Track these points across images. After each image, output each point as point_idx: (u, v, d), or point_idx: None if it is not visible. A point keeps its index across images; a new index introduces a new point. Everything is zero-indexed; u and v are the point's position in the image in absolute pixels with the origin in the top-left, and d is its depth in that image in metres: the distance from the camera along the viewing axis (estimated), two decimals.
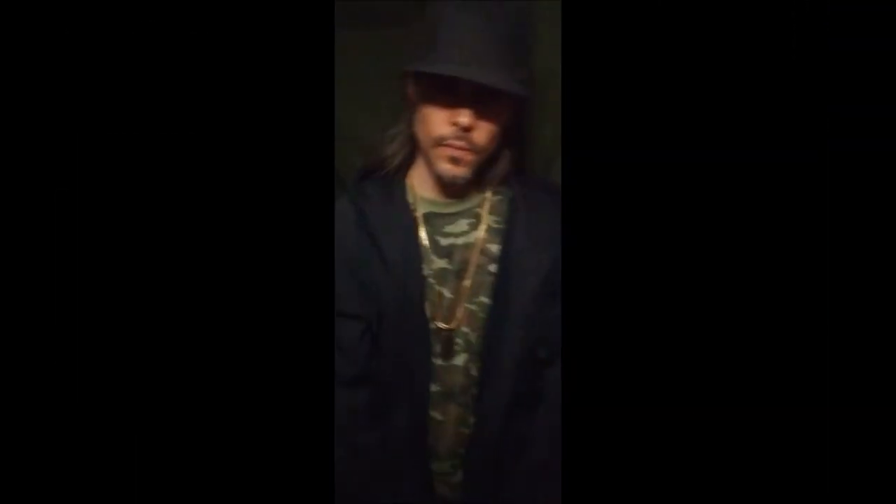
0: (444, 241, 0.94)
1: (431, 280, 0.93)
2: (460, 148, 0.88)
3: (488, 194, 0.96)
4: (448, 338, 0.92)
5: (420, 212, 0.95)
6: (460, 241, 0.95)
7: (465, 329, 0.93)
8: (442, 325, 0.92)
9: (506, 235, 0.94)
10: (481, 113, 0.87)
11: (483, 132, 0.88)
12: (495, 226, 0.95)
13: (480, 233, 0.95)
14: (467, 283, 0.93)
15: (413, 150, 0.96)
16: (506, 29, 0.85)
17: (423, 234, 0.94)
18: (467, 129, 0.87)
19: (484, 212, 0.96)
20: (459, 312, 0.92)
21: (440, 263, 0.94)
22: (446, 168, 0.90)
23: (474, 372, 0.92)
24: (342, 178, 1.33)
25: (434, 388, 0.92)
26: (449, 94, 0.86)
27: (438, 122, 0.88)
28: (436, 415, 0.93)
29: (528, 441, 0.93)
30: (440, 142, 0.89)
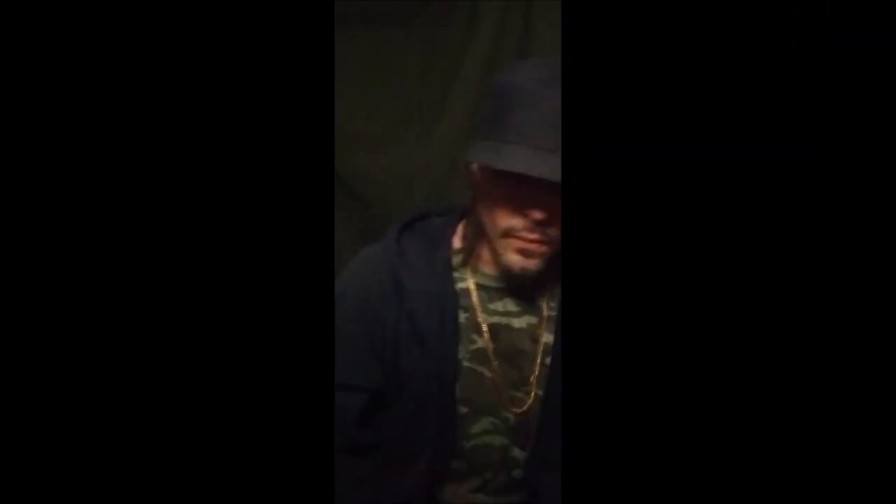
0: (486, 320, 0.87)
1: (468, 362, 0.86)
2: (533, 241, 0.80)
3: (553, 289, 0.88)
4: (524, 423, 0.87)
5: (466, 283, 0.88)
6: (505, 321, 0.88)
7: (505, 413, 0.87)
8: (516, 409, 0.86)
9: (558, 321, 0.87)
10: (554, 204, 0.76)
11: (556, 222, 0.79)
12: (550, 313, 0.88)
13: (529, 318, 0.88)
14: (520, 371, 0.87)
15: (476, 235, 0.87)
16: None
17: (463, 314, 0.87)
18: (542, 223, 0.79)
19: (533, 293, 0.88)
20: (504, 399, 0.87)
21: (479, 343, 0.87)
22: (515, 260, 0.82)
23: (516, 454, 0.88)
24: (342, 177, 1.33)
25: (460, 465, 0.88)
26: (524, 184, 0.77)
27: (509, 213, 0.80)
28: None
29: None
30: (510, 233, 0.81)
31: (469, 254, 0.88)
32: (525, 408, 0.86)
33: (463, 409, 0.86)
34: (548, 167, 0.74)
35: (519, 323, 0.88)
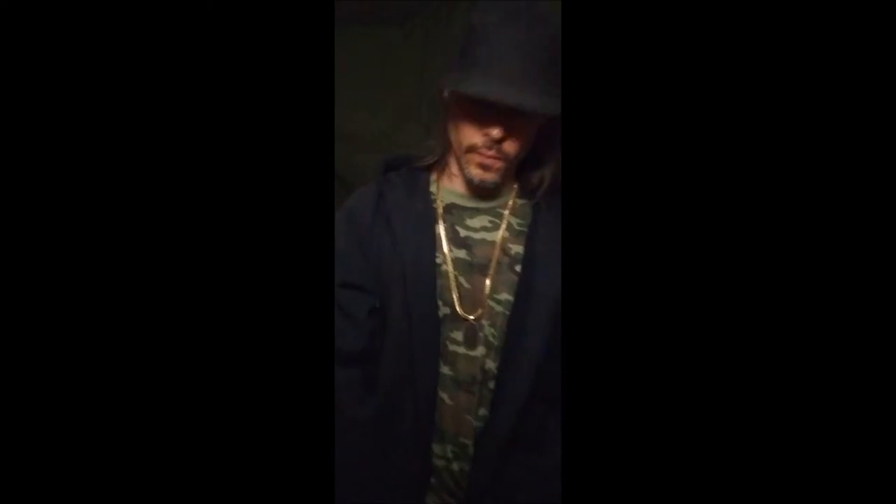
0: (463, 233, 0.98)
1: (447, 268, 0.96)
2: (491, 157, 0.93)
3: (512, 198, 1.01)
4: (472, 328, 0.95)
5: (442, 202, 1.00)
6: (479, 235, 0.98)
7: (484, 322, 0.95)
8: (466, 315, 0.95)
9: (528, 238, 0.98)
10: (513, 126, 0.91)
11: (514, 144, 0.93)
12: (517, 227, 0.99)
13: (502, 231, 0.98)
14: (489, 279, 0.96)
15: (445, 150, 1.01)
16: (544, 42, 0.88)
17: (441, 224, 0.98)
18: (499, 141, 0.92)
19: (506, 212, 1.00)
20: (481, 306, 0.95)
21: (458, 253, 0.97)
22: (476, 173, 0.95)
23: (490, 366, 0.94)
24: (342, 177, 1.33)
25: (445, 370, 0.95)
26: (484, 107, 0.90)
27: (471, 131, 0.93)
28: (444, 397, 0.95)
29: (539, 446, 0.95)
30: (472, 149, 0.94)
31: (442, 170, 1.02)
32: (479, 313, 0.95)
33: (444, 311, 0.95)
34: (503, 93, 0.86)
35: (492, 237, 0.98)
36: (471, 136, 0.93)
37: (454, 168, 1.00)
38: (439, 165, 1.02)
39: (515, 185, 1.01)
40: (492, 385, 0.94)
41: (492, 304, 0.95)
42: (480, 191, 0.99)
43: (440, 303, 0.95)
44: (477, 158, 0.94)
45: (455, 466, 0.95)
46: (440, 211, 0.99)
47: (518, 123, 0.92)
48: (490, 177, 0.95)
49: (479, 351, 0.94)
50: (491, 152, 0.93)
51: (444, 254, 0.96)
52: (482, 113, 0.91)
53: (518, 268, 0.96)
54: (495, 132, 0.91)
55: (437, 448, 0.96)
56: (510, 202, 1.00)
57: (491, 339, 0.94)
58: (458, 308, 0.94)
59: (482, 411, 0.94)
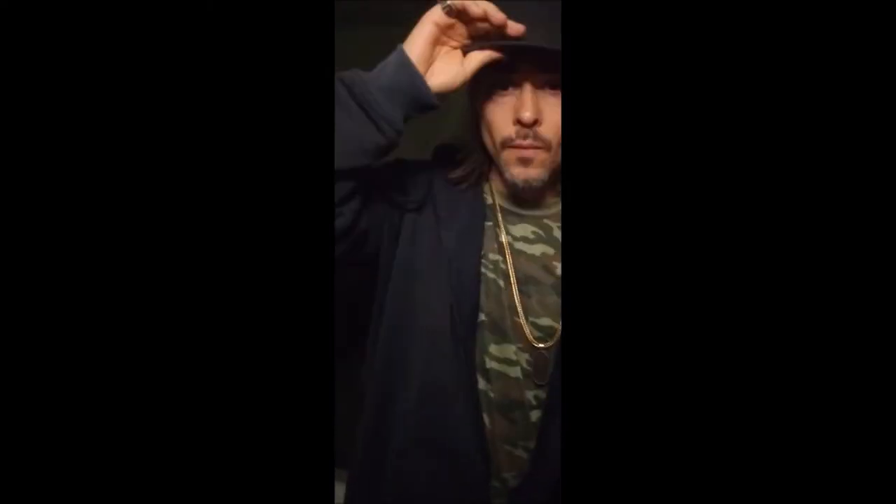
0: (502, 237, 0.88)
1: (487, 269, 0.87)
2: (529, 146, 0.82)
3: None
4: (544, 358, 0.85)
5: (490, 200, 0.90)
6: (518, 246, 0.88)
7: (521, 345, 0.86)
8: (537, 344, 0.85)
9: None
10: (546, 102, 0.81)
11: (550, 125, 0.82)
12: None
13: (544, 247, 0.88)
14: (520, 296, 0.86)
15: (487, 162, 0.90)
16: None
17: (489, 222, 0.89)
18: (532, 124, 0.81)
19: (555, 225, 0.89)
20: (525, 332, 0.85)
21: (498, 258, 0.88)
22: (517, 172, 0.84)
23: (529, 397, 0.85)
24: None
25: (483, 386, 0.85)
26: (509, 87, 0.81)
27: (500, 122, 0.83)
28: (484, 419, 0.85)
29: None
30: (507, 144, 0.83)
31: (490, 167, 0.91)
32: (546, 345, 0.85)
33: (482, 317, 0.86)
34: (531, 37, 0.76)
35: (532, 250, 0.88)
36: (501, 127, 0.82)
37: (500, 180, 0.89)
38: (486, 165, 0.91)
39: None
40: (535, 416, 0.84)
41: (530, 328, 0.85)
42: (527, 194, 0.87)
43: (481, 304, 0.85)
44: (514, 154, 0.83)
45: (502, 500, 0.85)
46: (487, 209, 0.89)
47: (550, 101, 0.81)
48: (534, 173, 0.83)
49: (517, 371, 0.85)
50: (527, 141, 0.81)
51: (486, 254, 0.87)
52: (509, 97, 0.82)
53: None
54: (526, 114, 0.80)
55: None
56: (559, 212, 0.88)
57: (527, 366, 0.85)
58: (499, 322, 0.85)
59: (524, 444, 0.84)
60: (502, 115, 0.83)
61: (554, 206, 0.90)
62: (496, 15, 0.76)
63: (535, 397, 0.85)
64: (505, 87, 0.82)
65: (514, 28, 0.77)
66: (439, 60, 0.80)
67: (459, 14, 0.77)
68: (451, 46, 0.81)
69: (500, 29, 0.77)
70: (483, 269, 0.87)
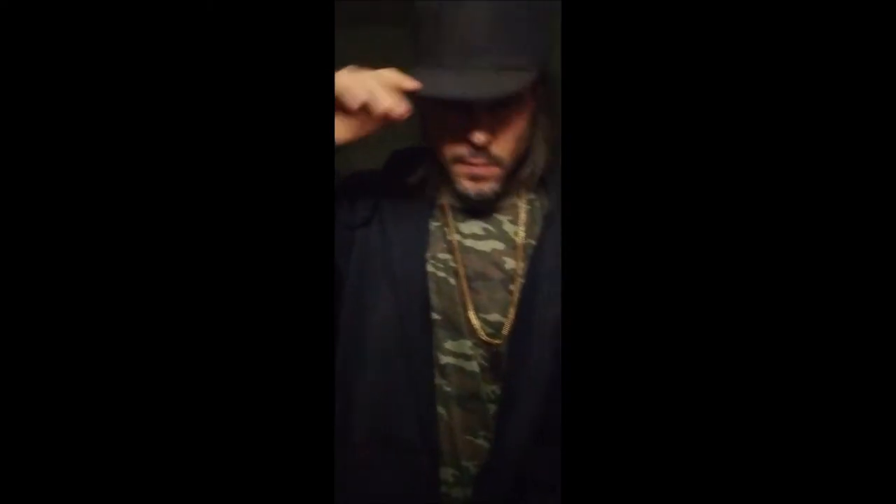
0: (451, 236, 0.88)
1: (436, 268, 0.87)
2: (482, 165, 0.82)
3: (520, 201, 0.89)
4: (498, 355, 0.85)
5: (440, 200, 0.89)
6: (468, 243, 0.88)
7: (474, 340, 0.86)
8: (490, 339, 0.85)
9: (534, 253, 0.86)
10: (498, 123, 0.80)
11: (503, 144, 0.82)
12: (515, 238, 0.88)
13: (495, 243, 0.88)
14: (477, 294, 0.86)
15: (440, 170, 0.88)
16: (503, 12, 0.77)
17: (434, 223, 0.89)
18: (484, 147, 0.81)
19: (505, 219, 0.89)
20: (476, 327, 0.86)
21: (446, 257, 0.87)
22: (469, 185, 0.84)
23: (489, 391, 0.86)
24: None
25: (441, 383, 0.86)
26: (459, 110, 0.80)
27: (453, 141, 0.82)
28: (442, 412, 0.86)
29: (555, 478, 0.83)
30: (458, 161, 0.83)
31: (439, 173, 0.90)
32: (496, 341, 0.86)
33: (435, 315, 0.87)
34: (474, 88, 0.75)
35: (482, 246, 0.88)
36: (453, 146, 0.82)
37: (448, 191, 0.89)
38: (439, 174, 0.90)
39: (523, 193, 0.89)
40: (492, 409, 0.85)
41: (482, 323, 0.86)
42: (480, 204, 0.87)
43: (432, 304, 0.86)
44: (465, 170, 0.83)
45: (458, 493, 0.86)
46: (436, 209, 0.89)
47: (503, 118, 0.80)
48: (487, 187, 0.83)
49: (474, 365, 0.86)
50: (479, 160, 0.81)
51: (434, 254, 0.87)
52: (458, 116, 0.80)
53: (514, 287, 0.85)
54: (479, 138, 0.79)
55: (440, 472, 0.86)
56: (511, 206, 0.89)
57: (483, 361, 0.86)
58: (452, 318, 0.86)
59: (482, 434, 0.85)
60: (453, 133, 0.81)
61: (505, 203, 0.89)
62: (398, 109, 0.75)
63: (493, 391, 0.86)
64: (457, 104, 0.80)
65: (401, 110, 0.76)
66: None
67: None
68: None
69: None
70: (433, 269, 0.87)
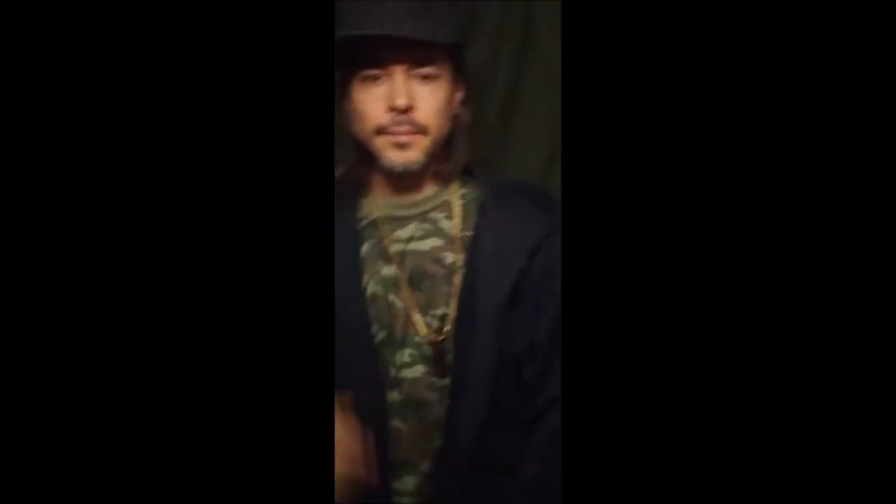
0: (393, 248, 0.89)
1: (376, 288, 0.88)
2: (405, 132, 0.83)
3: (452, 196, 0.92)
4: (440, 352, 0.87)
5: (368, 218, 0.91)
6: (410, 246, 0.90)
7: (418, 339, 0.88)
8: (436, 336, 0.87)
9: (471, 243, 0.89)
10: (418, 91, 0.83)
11: (425, 111, 0.84)
12: (451, 232, 0.90)
13: (434, 240, 0.90)
14: (424, 293, 0.88)
15: (364, 156, 0.89)
16: None
17: (366, 244, 0.90)
18: (407, 111, 0.82)
19: (441, 216, 0.91)
20: (414, 323, 0.87)
21: (388, 271, 0.89)
22: (394, 156, 0.84)
23: (438, 387, 0.87)
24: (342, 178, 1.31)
25: (394, 396, 0.88)
26: (379, 74, 0.83)
27: (373, 109, 0.84)
28: (397, 424, 0.87)
29: (510, 467, 0.87)
30: (381, 131, 0.84)
31: (360, 183, 0.92)
32: (441, 337, 0.87)
33: (381, 335, 0.88)
34: (393, 27, 0.78)
35: (423, 246, 0.89)
36: (374, 115, 0.83)
37: (376, 175, 0.90)
38: (361, 176, 0.91)
39: (454, 185, 0.91)
40: (441, 408, 0.86)
41: (429, 320, 0.88)
42: (406, 182, 0.88)
43: (375, 327, 0.87)
44: (389, 139, 0.84)
45: (420, 499, 0.87)
46: (365, 229, 0.90)
47: (423, 87, 0.83)
48: (412, 156, 0.84)
49: (418, 371, 0.87)
50: (403, 128, 0.83)
51: (374, 275, 0.88)
52: (380, 83, 0.83)
53: (456, 279, 0.88)
54: (400, 101, 0.81)
55: (397, 484, 0.87)
56: (447, 202, 0.91)
57: (429, 357, 0.87)
58: (396, 330, 0.87)
59: (436, 434, 0.87)
60: (374, 104, 0.83)
61: (436, 197, 0.91)
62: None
63: (440, 389, 0.87)
64: (376, 79, 0.83)
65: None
66: None
67: None
68: None
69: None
70: (374, 289, 0.89)
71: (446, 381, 0.87)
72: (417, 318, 0.88)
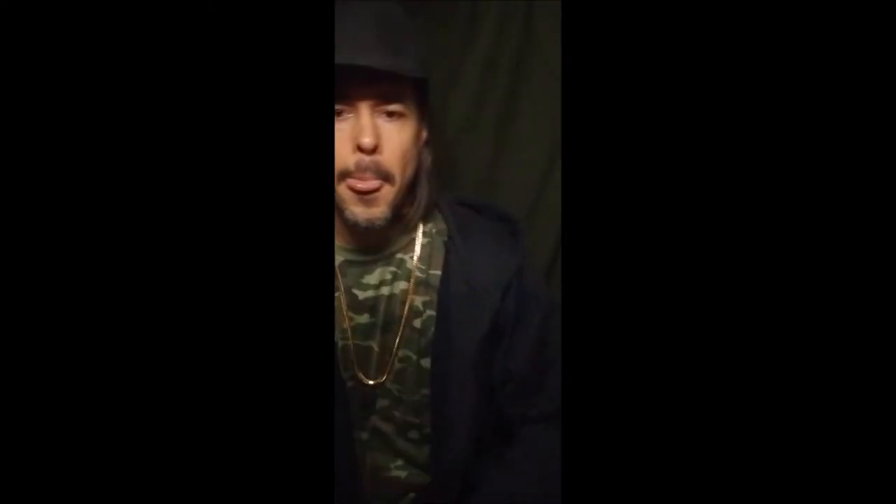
0: (362, 295, 0.87)
1: (347, 341, 0.87)
2: (369, 179, 0.79)
3: (416, 234, 0.89)
4: (366, 394, 0.88)
5: (336, 260, 0.87)
6: (381, 291, 0.88)
7: (391, 386, 0.89)
8: (366, 380, 0.87)
9: (441, 285, 0.87)
10: (384, 128, 0.79)
11: (391, 152, 0.79)
12: (420, 274, 0.88)
13: (402, 283, 0.88)
14: (394, 338, 0.87)
15: None
16: (389, 20, 0.79)
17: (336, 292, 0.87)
18: (372, 151, 0.78)
19: (408, 257, 0.89)
20: (386, 368, 0.88)
21: (360, 319, 0.87)
22: (359, 211, 0.80)
23: (414, 435, 0.89)
24: None
25: (363, 436, 0.90)
26: (342, 109, 0.78)
27: (339, 151, 0.78)
28: (364, 458, 0.90)
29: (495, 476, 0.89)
30: (344, 176, 0.79)
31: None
32: (383, 378, 0.88)
33: (350, 384, 0.89)
34: (373, 58, 0.74)
35: (393, 289, 0.88)
36: (339, 155, 0.78)
37: (339, 226, 0.86)
38: None
39: (420, 225, 0.89)
40: (415, 437, 0.89)
41: (397, 364, 0.87)
42: (371, 235, 0.84)
43: (346, 377, 0.87)
44: (354, 186, 0.79)
45: None
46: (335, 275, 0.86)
47: (392, 122, 0.79)
48: (377, 212, 0.80)
49: (382, 403, 0.89)
50: (367, 174, 0.78)
51: (346, 325, 0.86)
52: (346, 124, 0.78)
53: (417, 323, 0.87)
54: (366, 140, 0.76)
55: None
56: (411, 242, 0.89)
57: (398, 394, 0.88)
58: (360, 376, 0.87)
59: (418, 474, 0.90)
60: (339, 144, 0.78)
61: (400, 241, 0.89)
62: None
63: (406, 421, 0.90)
64: (339, 113, 0.78)
65: None
66: None
67: None
68: None
69: None
70: (342, 342, 0.87)
71: (399, 413, 0.89)
72: (387, 358, 0.88)
